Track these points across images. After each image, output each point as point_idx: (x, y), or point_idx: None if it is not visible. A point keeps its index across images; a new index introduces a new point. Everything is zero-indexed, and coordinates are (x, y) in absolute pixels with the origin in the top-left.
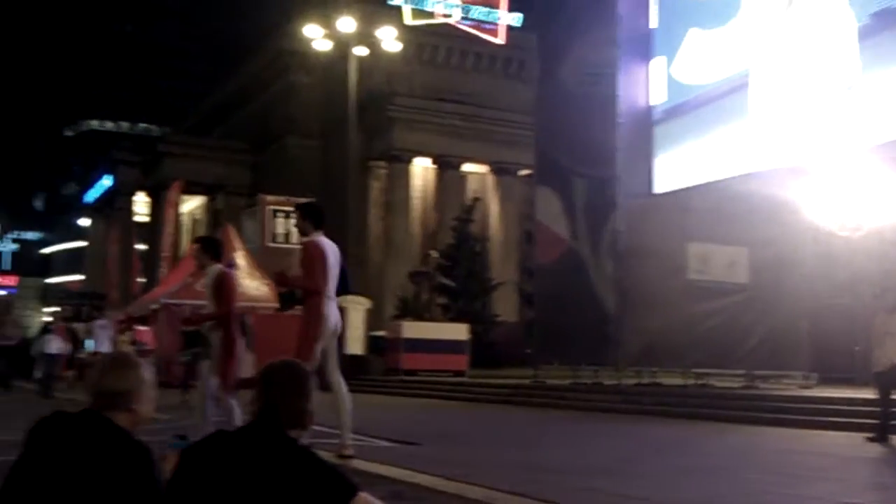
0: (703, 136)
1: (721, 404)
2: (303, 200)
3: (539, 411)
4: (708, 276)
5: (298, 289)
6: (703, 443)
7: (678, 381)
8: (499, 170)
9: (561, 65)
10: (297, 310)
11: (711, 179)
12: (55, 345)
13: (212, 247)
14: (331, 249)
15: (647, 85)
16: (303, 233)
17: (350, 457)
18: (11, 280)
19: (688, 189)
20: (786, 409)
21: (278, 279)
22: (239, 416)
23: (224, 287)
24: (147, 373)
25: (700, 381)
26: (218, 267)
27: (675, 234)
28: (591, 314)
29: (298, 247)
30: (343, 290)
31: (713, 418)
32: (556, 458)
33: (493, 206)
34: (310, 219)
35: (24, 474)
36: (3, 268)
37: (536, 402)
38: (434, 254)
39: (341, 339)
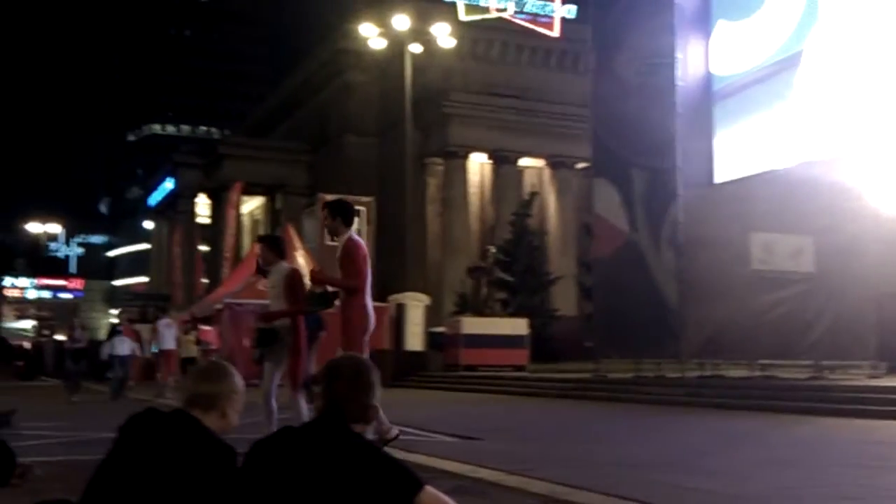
0: (763, 124)
1: (787, 395)
2: (331, 198)
3: (601, 405)
4: (772, 266)
5: (341, 288)
6: (769, 435)
7: (743, 372)
8: (555, 163)
9: (617, 55)
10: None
11: (772, 168)
12: (126, 346)
13: (276, 245)
14: (365, 248)
15: (708, 74)
16: (334, 232)
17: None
18: (78, 283)
19: (749, 178)
20: (854, 399)
21: (315, 277)
22: (306, 415)
23: (297, 285)
24: (240, 382)
25: (765, 373)
26: (286, 265)
27: (736, 223)
28: (651, 306)
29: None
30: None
31: (779, 410)
32: (620, 451)
33: (551, 200)
34: (340, 216)
35: (114, 468)
36: (70, 271)
37: (598, 396)
38: (492, 249)
39: (400, 335)
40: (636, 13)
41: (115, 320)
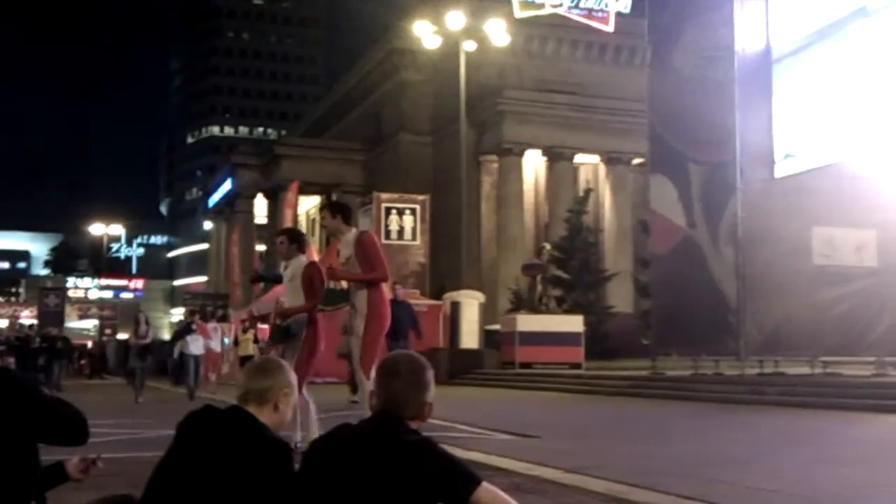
0: (825, 117)
1: (850, 393)
2: (333, 202)
3: (659, 403)
4: (834, 261)
5: (363, 282)
6: (833, 433)
7: (804, 370)
8: (611, 159)
9: (674, 49)
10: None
11: (833, 161)
12: (199, 344)
13: (298, 238)
14: None
15: (769, 66)
16: (335, 231)
17: None
18: (139, 283)
19: (810, 171)
20: None
21: (333, 274)
22: (314, 412)
23: (315, 279)
24: (293, 378)
25: (827, 370)
26: (305, 258)
27: (797, 217)
28: (710, 303)
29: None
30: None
31: (842, 408)
32: (680, 450)
33: (606, 197)
34: (340, 215)
35: (173, 464)
36: (132, 272)
37: (655, 394)
38: (547, 246)
39: (455, 333)
40: (693, 6)
41: (183, 318)
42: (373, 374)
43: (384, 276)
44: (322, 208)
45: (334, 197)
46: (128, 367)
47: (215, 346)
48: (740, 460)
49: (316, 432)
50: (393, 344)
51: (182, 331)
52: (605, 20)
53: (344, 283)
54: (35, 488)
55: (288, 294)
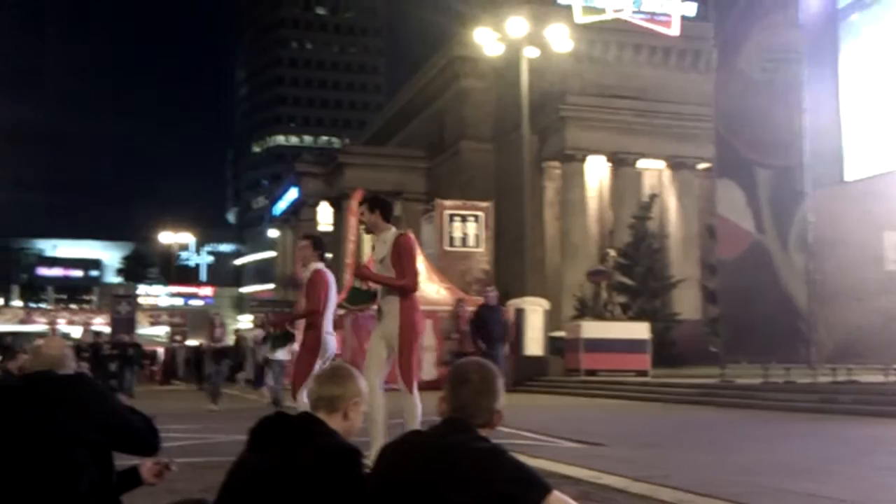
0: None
1: None
2: (374, 196)
3: (728, 411)
4: None
5: (393, 287)
6: None
7: (878, 378)
8: (676, 164)
9: (739, 52)
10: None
11: None
12: (283, 349)
13: (319, 245)
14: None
15: (836, 65)
16: (373, 227)
17: None
18: (208, 290)
19: (882, 175)
20: None
21: (361, 273)
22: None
23: (320, 288)
24: (363, 385)
25: None
26: (315, 265)
27: (869, 222)
28: (780, 309)
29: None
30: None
31: None
32: (750, 458)
33: (671, 202)
34: (379, 210)
35: (245, 469)
36: (201, 279)
37: (724, 402)
38: (612, 252)
39: (520, 340)
40: (759, 8)
41: (253, 324)
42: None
43: (413, 286)
44: (361, 202)
45: (398, 206)
46: (205, 373)
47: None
48: (812, 470)
49: None
50: (489, 350)
51: (265, 337)
52: (667, 24)
53: (372, 284)
54: (110, 493)
55: (301, 299)
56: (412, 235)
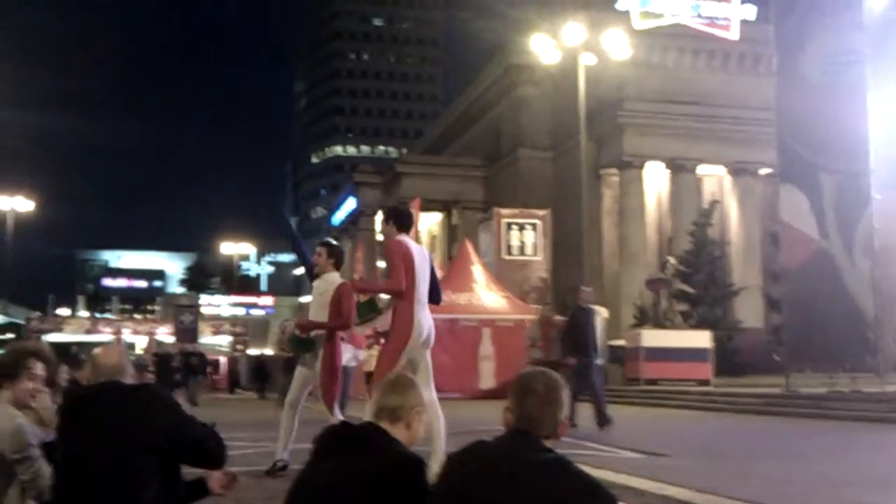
0: None
1: None
2: (392, 207)
3: (793, 421)
4: None
5: (382, 293)
6: None
7: None
8: (737, 170)
9: (801, 55)
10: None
11: None
12: (348, 354)
13: (335, 254)
14: (418, 251)
15: None
16: (387, 236)
17: None
18: (268, 300)
19: None
20: None
21: (357, 286)
22: None
23: (344, 300)
24: (425, 394)
25: None
26: (338, 276)
27: None
28: (845, 317)
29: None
30: (434, 300)
31: None
32: (815, 469)
33: (732, 209)
34: (393, 220)
35: (311, 478)
36: (262, 289)
37: (790, 412)
38: (672, 260)
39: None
40: (821, 9)
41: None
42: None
43: (396, 287)
44: (382, 211)
45: (455, 214)
46: (278, 382)
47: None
48: (879, 481)
49: None
50: (582, 359)
51: (308, 343)
52: (727, 28)
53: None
54: (178, 502)
55: (313, 306)
56: (399, 239)
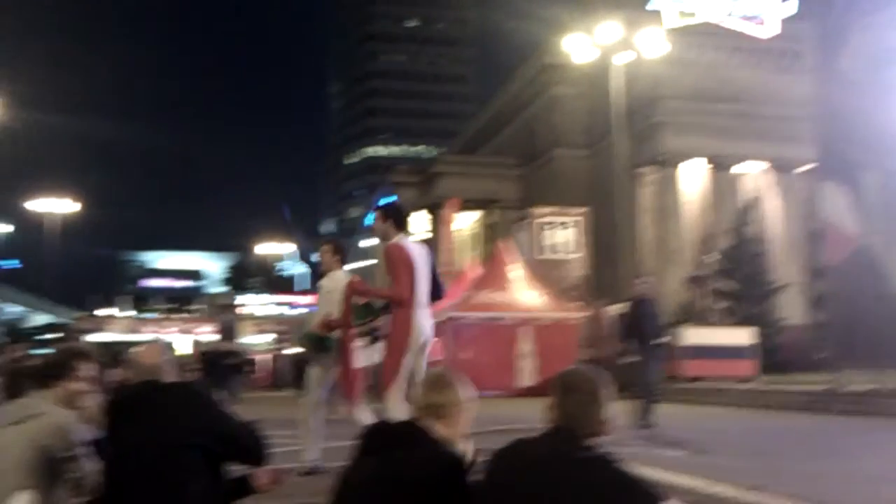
0: None
1: None
2: (390, 204)
3: (838, 419)
4: None
5: (381, 299)
6: None
7: None
8: (776, 167)
9: (840, 53)
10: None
11: None
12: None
13: (341, 251)
14: (418, 252)
15: None
16: (384, 236)
17: None
18: (309, 298)
19: None
20: None
21: (356, 289)
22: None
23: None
24: (468, 392)
25: None
26: (344, 273)
27: None
28: (890, 313)
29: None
30: (436, 296)
31: None
32: (862, 467)
33: (772, 206)
34: (391, 219)
35: (354, 476)
36: (300, 288)
37: (833, 409)
38: (711, 258)
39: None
40: (860, 9)
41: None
42: (398, 399)
43: (398, 296)
44: (377, 209)
45: (491, 213)
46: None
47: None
48: None
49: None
50: (641, 350)
51: (371, 339)
52: (764, 25)
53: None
54: (222, 498)
55: (321, 306)
56: (398, 243)
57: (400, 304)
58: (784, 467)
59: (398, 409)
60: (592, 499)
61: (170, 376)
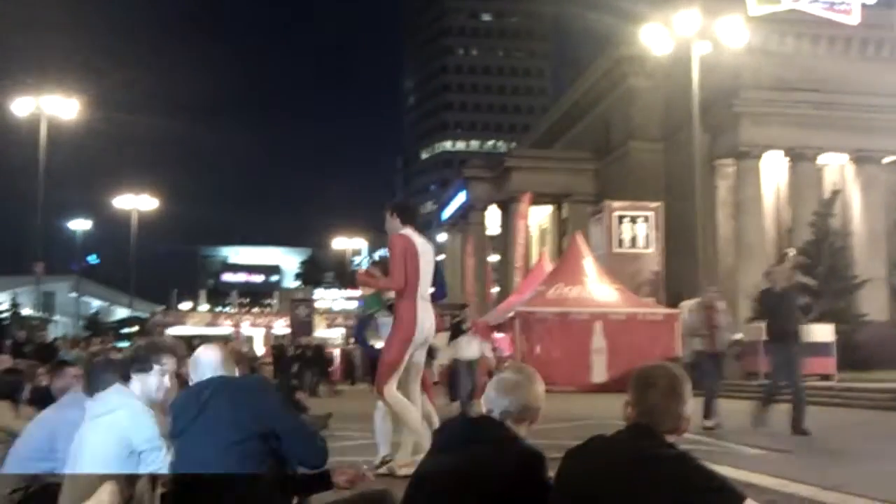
0: None
1: None
2: (398, 201)
3: None
4: None
5: (382, 289)
6: None
7: None
8: (860, 158)
9: None
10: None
11: None
12: (474, 347)
13: (402, 211)
14: (424, 248)
15: None
16: (392, 230)
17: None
18: None
19: None
20: None
21: (360, 279)
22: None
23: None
24: (542, 388)
25: None
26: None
27: None
28: None
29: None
30: (438, 297)
31: None
32: None
33: (855, 198)
34: (397, 214)
35: (431, 470)
36: None
37: None
38: (791, 252)
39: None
40: None
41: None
42: (393, 391)
43: (396, 285)
44: (386, 205)
45: (565, 207)
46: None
47: (487, 350)
48: None
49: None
50: (781, 350)
51: (453, 332)
52: (848, 12)
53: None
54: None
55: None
56: (400, 233)
57: (401, 296)
58: (863, 467)
59: (396, 400)
60: (675, 496)
61: (227, 370)
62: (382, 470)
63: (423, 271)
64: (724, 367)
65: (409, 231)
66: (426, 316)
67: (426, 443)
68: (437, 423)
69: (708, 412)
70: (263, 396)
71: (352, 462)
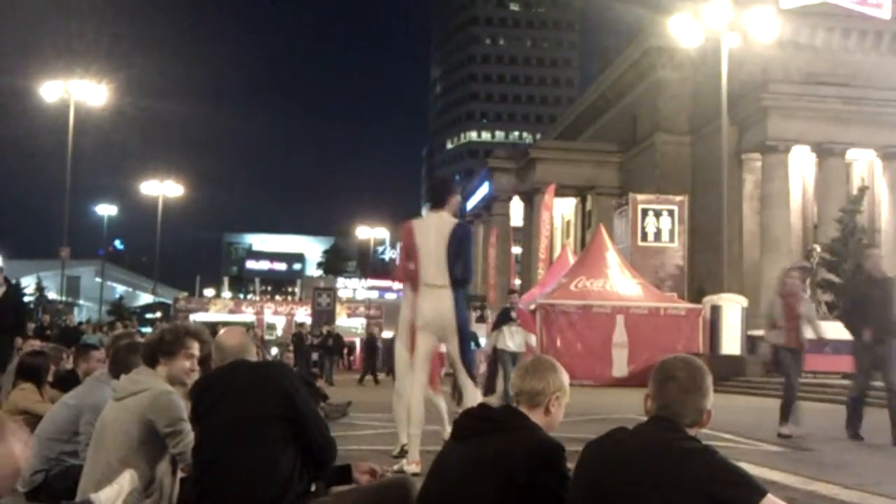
0: None
1: None
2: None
3: None
4: None
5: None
6: None
7: None
8: (888, 154)
9: None
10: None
11: None
12: (518, 338)
13: (436, 188)
14: (422, 228)
15: None
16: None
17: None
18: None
19: None
20: None
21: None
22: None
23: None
24: (566, 379)
25: None
26: (449, 217)
27: None
28: None
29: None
30: (460, 277)
31: None
32: None
33: (883, 194)
34: (430, 194)
35: (450, 459)
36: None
37: None
38: (817, 248)
39: (716, 338)
40: None
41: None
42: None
43: (393, 279)
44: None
45: (589, 200)
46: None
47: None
48: None
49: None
50: (876, 346)
51: (498, 320)
52: (879, 6)
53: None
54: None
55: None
56: (408, 223)
57: (405, 286)
58: (886, 466)
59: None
60: (695, 490)
61: (252, 356)
62: (395, 468)
63: (423, 258)
64: (803, 364)
65: (424, 213)
66: (424, 304)
67: (404, 437)
68: (440, 414)
69: (785, 416)
70: (285, 382)
71: (371, 451)
